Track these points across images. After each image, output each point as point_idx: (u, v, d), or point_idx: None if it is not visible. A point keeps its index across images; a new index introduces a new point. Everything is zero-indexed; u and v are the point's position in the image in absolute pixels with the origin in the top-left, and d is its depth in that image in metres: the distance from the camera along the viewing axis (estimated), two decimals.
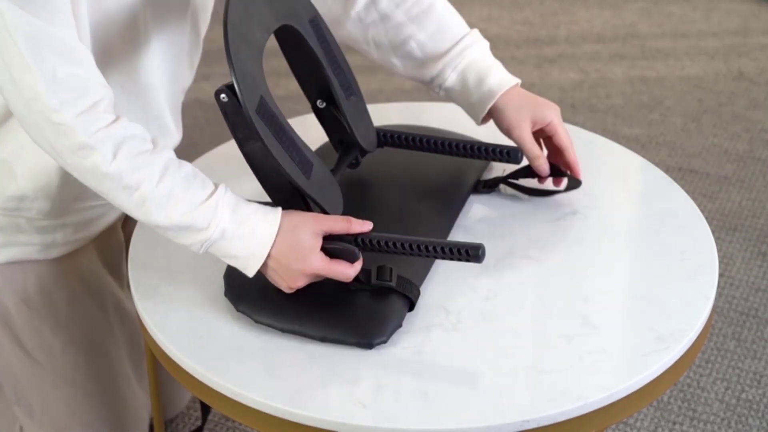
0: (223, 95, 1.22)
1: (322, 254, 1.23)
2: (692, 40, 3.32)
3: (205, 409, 1.64)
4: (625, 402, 1.19)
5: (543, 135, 1.44)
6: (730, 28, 3.40)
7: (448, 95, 1.48)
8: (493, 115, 1.45)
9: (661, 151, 2.75)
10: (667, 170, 2.62)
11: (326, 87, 1.38)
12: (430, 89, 1.51)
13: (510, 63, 3.17)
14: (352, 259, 1.24)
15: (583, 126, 2.74)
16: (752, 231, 2.46)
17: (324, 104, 1.40)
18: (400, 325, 1.24)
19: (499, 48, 3.25)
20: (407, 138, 1.45)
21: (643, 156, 1.63)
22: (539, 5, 3.51)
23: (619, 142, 1.81)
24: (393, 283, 1.25)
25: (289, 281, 1.24)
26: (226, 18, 1.21)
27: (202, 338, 1.24)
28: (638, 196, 1.51)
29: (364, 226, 1.26)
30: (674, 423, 1.96)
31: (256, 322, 1.25)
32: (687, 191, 1.53)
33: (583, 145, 1.61)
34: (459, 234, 1.40)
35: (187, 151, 1.52)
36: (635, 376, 1.19)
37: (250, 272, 1.24)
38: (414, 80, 1.53)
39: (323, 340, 1.22)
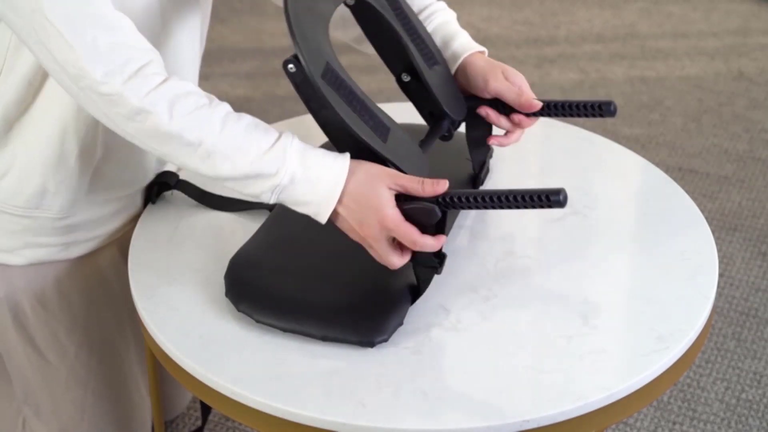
0: (290, 65, 1.21)
1: (398, 210, 1.21)
2: (692, 40, 3.32)
3: (206, 410, 1.64)
4: (625, 402, 1.19)
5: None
6: (730, 28, 3.40)
7: None
8: (461, 77, 1.44)
9: (661, 151, 2.75)
10: (667, 170, 2.62)
11: (408, 59, 1.36)
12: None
13: (510, 63, 3.16)
14: (430, 220, 1.20)
15: (583, 126, 2.74)
16: (752, 231, 2.46)
17: (408, 77, 1.38)
18: (401, 323, 1.24)
19: (499, 48, 3.25)
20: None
21: (643, 156, 1.63)
22: (539, 5, 3.51)
23: (619, 142, 1.81)
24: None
25: (360, 229, 1.21)
26: None
27: (202, 338, 1.24)
28: (638, 196, 1.51)
29: (437, 185, 1.21)
30: (674, 423, 1.96)
31: (257, 321, 1.25)
32: (687, 191, 1.53)
33: (583, 145, 1.61)
34: (459, 234, 1.40)
35: None
36: (635, 376, 1.19)
37: (322, 218, 1.22)
38: None
39: (324, 339, 1.22)
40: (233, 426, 1.92)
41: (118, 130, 1.23)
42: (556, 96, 2.99)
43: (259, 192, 1.22)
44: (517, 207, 1.19)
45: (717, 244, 1.67)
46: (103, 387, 1.56)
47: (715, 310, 2.18)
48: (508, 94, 1.40)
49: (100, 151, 1.41)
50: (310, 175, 1.21)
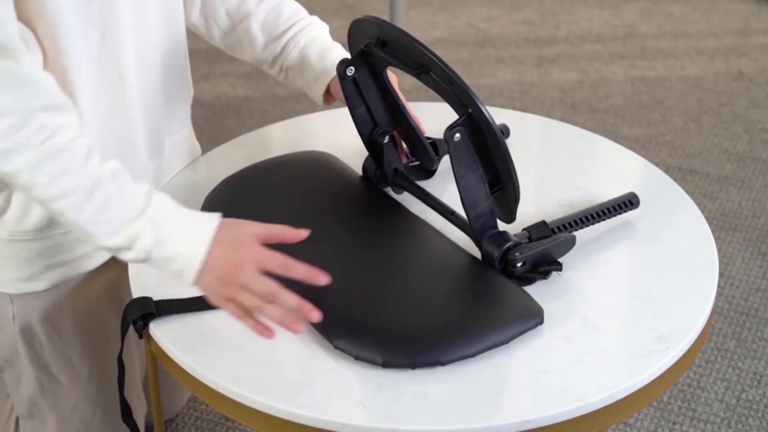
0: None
1: (261, 249, 1.19)
2: (692, 40, 3.32)
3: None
4: (625, 402, 1.19)
5: None
6: (730, 28, 3.40)
7: (289, 76, 1.51)
8: (334, 89, 1.47)
9: (661, 151, 2.75)
10: (667, 170, 2.62)
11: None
12: (275, 75, 1.55)
13: (510, 63, 3.17)
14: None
15: (583, 126, 2.74)
16: (752, 231, 2.46)
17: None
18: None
19: (499, 48, 3.25)
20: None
21: (643, 156, 1.63)
22: (539, 5, 3.51)
23: (619, 142, 1.81)
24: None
25: (232, 272, 1.18)
26: None
27: (202, 338, 1.24)
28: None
29: (300, 233, 1.21)
30: (674, 423, 1.96)
31: None
32: (687, 191, 1.53)
33: (583, 145, 1.61)
34: (459, 234, 1.40)
35: None
36: (635, 376, 1.19)
37: (189, 281, 1.21)
38: (260, 65, 1.56)
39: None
40: (233, 426, 1.92)
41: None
42: (556, 96, 2.99)
43: (120, 257, 1.23)
44: (603, 220, 1.40)
45: (717, 244, 1.67)
46: (111, 403, 1.55)
47: (715, 310, 2.18)
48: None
49: None
50: (166, 253, 1.20)
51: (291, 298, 1.18)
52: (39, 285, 1.44)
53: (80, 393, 1.52)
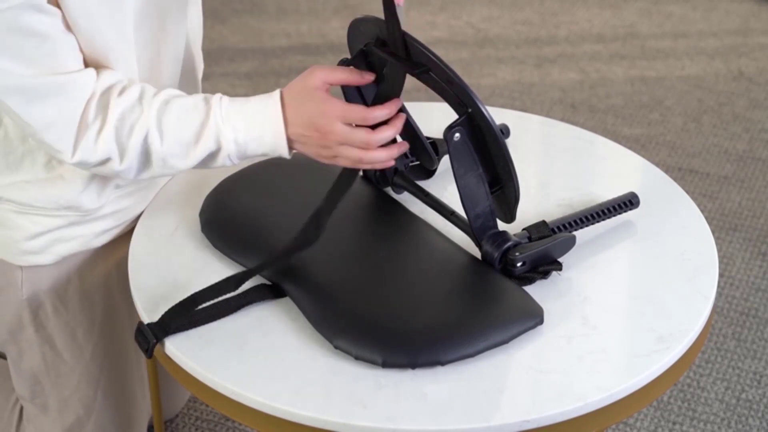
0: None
1: (339, 100, 1.28)
2: (692, 40, 3.32)
3: None
4: (625, 402, 1.19)
5: None
6: (730, 28, 3.40)
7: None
8: None
9: (661, 151, 2.75)
10: (667, 170, 2.62)
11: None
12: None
13: (510, 63, 3.17)
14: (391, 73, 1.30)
15: (583, 126, 2.74)
16: (752, 231, 2.46)
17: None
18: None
19: (499, 48, 3.25)
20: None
21: (643, 156, 1.63)
22: (539, 5, 3.51)
23: (619, 142, 1.81)
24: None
25: (323, 137, 1.28)
26: None
27: (202, 338, 1.24)
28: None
29: (365, 75, 1.31)
30: (674, 423, 1.96)
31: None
32: (687, 191, 1.53)
33: (583, 145, 1.61)
34: (459, 235, 1.40)
35: None
36: (635, 376, 1.19)
37: (285, 155, 1.31)
38: None
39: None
40: (233, 426, 1.92)
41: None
42: (556, 96, 2.99)
43: (221, 165, 1.33)
44: (603, 220, 1.40)
45: (717, 244, 1.67)
46: (113, 386, 1.56)
47: (715, 310, 2.18)
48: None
49: None
50: (250, 134, 1.30)
51: (385, 134, 1.29)
52: (46, 258, 1.46)
53: (82, 372, 1.53)
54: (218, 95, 1.33)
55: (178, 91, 1.34)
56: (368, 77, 1.31)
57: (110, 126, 1.29)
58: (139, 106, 1.30)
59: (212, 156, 1.32)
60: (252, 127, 1.30)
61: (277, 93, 1.31)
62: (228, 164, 1.33)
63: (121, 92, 1.31)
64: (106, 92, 1.30)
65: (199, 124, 1.30)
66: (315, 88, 1.29)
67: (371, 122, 1.28)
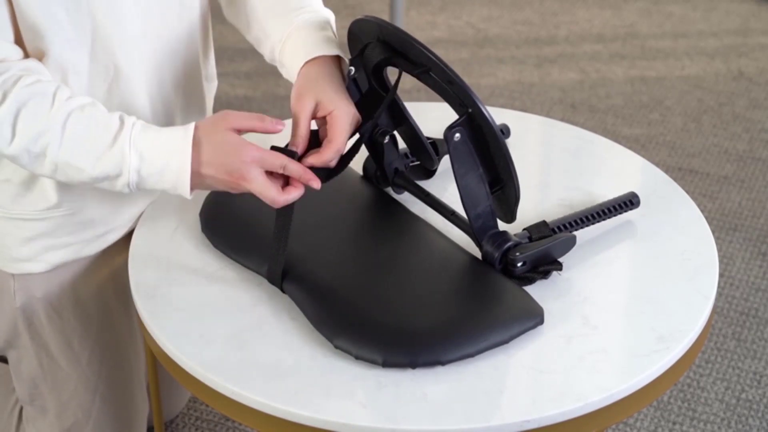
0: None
1: (256, 145, 1.25)
2: (692, 40, 3.32)
3: None
4: (625, 402, 1.19)
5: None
6: (730, 28, 3.40)
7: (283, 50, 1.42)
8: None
9: (661, 151, 2.75)
10: (667, 170, 2.62)
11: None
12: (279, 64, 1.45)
13: (510, 63, 3.17)
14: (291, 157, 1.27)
15: (583, 126, 2.74)
16: (752, 231, 2.46)
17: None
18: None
19: (499, 48, 3.25)
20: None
21: (643, 156, 1.63)
22: (539, 5, 3.51)
23: (619, 142, 1.81)
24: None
25: (232, 179, 1.25)
26: None
27: (202, 338, 1.24)
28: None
29: (277, 125, 1.28)
30: (674, 423, 1.96)
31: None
32: (687, 191, 1.53)
33: (583, 145, 1.61)
34: (459, 235, 1.40)
35: None
36: (635, 376, 1.19)
37: (186, 193, 1.26)
38: (257, 45, 1.49)
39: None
40: (233, 426, 1.92)
41: None
42: (556, 96, 2.99)
43: (118, 190, 1.27)
44: (603, 220, 1.40)
45: (717, 244, 1.67)
46: (111, 391, 1.56)
47: (715, 310, 2.18)
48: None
49: None
50: (154, 166, 1.25)
51: (292, 195, 1.25)
52: (38, 266, 1.45)
53: (79, 378, 1.53)
54: (133, 118, 1.28)
55: (100, 105, 1.29)
56: (279, 127, 1.28)
57: (9, 104, 1.24)
58: (51, 99, 1.25)
59: (107, 181, 1.27)
60: (157, 158, 1.25)
61: (191, 128, 1.26)
62: (126, 192, 1.28)
63: (36, 81, 1.26)
64: (22, 74, 1.25)
65: (105, 144, 1.25)
66: (228, 129, 1.26)
67: (279, 205, 1.26)
